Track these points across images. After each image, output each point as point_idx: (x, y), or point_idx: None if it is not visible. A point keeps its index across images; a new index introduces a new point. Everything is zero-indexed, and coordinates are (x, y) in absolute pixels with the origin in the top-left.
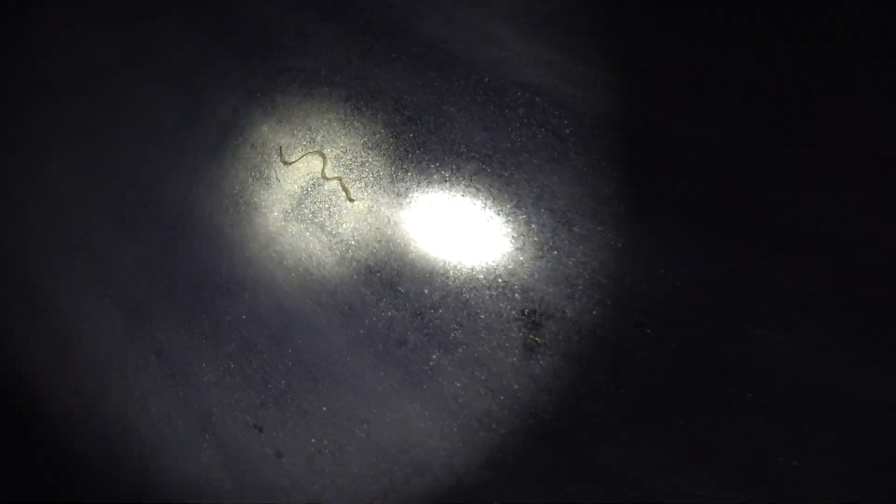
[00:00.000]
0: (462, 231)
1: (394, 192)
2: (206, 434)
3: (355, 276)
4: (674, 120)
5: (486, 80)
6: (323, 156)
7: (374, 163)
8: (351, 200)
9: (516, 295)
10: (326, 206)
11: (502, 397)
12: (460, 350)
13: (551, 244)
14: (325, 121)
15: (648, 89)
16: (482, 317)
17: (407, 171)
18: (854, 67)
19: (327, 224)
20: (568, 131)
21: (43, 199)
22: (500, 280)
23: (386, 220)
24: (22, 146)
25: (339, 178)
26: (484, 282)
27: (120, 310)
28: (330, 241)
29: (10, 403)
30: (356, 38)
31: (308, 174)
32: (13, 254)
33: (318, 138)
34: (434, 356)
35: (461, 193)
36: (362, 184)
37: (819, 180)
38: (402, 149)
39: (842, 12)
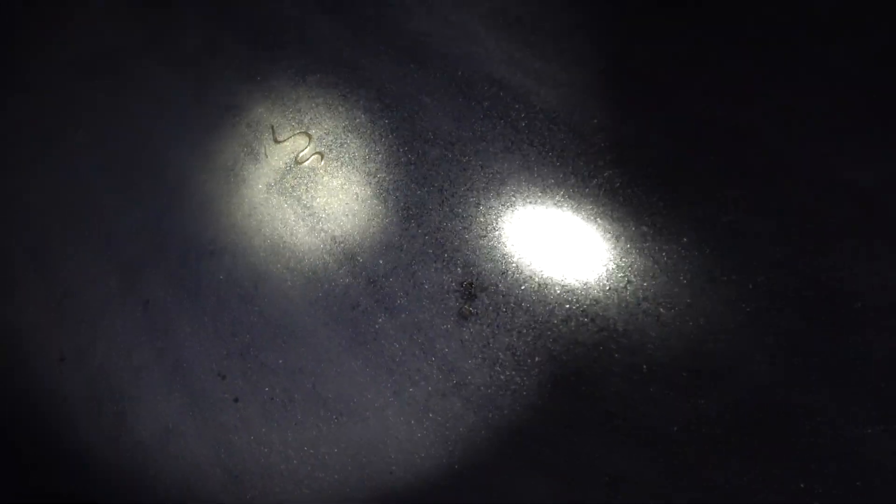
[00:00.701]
0: (418, 210)
1: (364, 171)
2: (178, 380)
3: (321, 245)
4: (618, 119)
5: (459, 73)
6: (309, 136)
7: (351, 144)
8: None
9: (458, 269)
10: (304, 182)
11: (433, 359)
12: (403, 315)
13: (494, 225)
14: (313, 104)
15: (598, 89)
16: (426, 287)
17: (378, 154)
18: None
19: (303, 198)
20: (523, 124)
21: (57, 165)
22: (445, 255)
23: (355, 196)
24: (43, 117)
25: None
26: (432, 256)
27: (115, 267)
28: (304, 212)
29: (12, 346)
30: (350, 31)
31: (293, 153)
32: (25, 214)
33: (306, 120)
34: (380, 320)
35: (422, 176)
36: (338, 163)
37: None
38: (376, 133)
39: None
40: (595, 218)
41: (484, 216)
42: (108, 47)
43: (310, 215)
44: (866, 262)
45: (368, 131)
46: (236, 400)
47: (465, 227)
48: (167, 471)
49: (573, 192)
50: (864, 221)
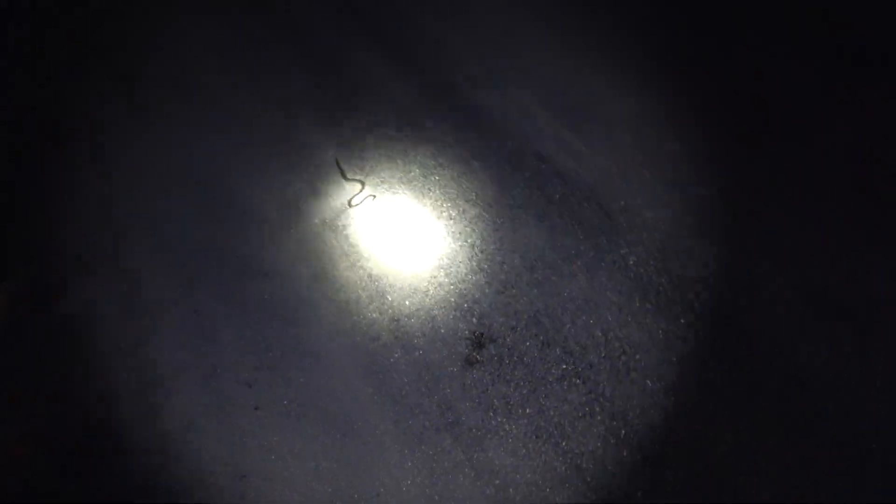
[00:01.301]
0: (448, 261)
1: (409, 220)
2: (211, 383)
3: (358, 281)
4: (640, 205)
5: (510, 144)
6: (363, 184)
7: (402, 195)
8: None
9: (473, 319)
10: (354, 223)
11: (435, 396)
12: (416, 353)
13: (513, 284)
14: (376, 154)
15: (629, 177)
16: (442, 331)
17: (424, 207)
18: None
19: (351, 237)
20: (557, 197)
21: (147, 180)
22: (465, 305)
23: (395, 241)
24: (145, 133)
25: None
26: (452, 304)
27: (179, 275)
28: (348, 249)
29: (81, 330)
30: (422, 96)
31: (348, 196)
32: (112, 218)
33: (367, 167)
34: (396, 354)
35: (459, 231)
36: (386, 210)
37: None
38: (426, 187)
39: None
40: (604, 290)
41: (506, 274)
42: (208, 78)
43: (353, 253)
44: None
45: (419, 185)
46: (256, 408)
47: (487, 283)
48: (183, 461)
49: (590, 263)
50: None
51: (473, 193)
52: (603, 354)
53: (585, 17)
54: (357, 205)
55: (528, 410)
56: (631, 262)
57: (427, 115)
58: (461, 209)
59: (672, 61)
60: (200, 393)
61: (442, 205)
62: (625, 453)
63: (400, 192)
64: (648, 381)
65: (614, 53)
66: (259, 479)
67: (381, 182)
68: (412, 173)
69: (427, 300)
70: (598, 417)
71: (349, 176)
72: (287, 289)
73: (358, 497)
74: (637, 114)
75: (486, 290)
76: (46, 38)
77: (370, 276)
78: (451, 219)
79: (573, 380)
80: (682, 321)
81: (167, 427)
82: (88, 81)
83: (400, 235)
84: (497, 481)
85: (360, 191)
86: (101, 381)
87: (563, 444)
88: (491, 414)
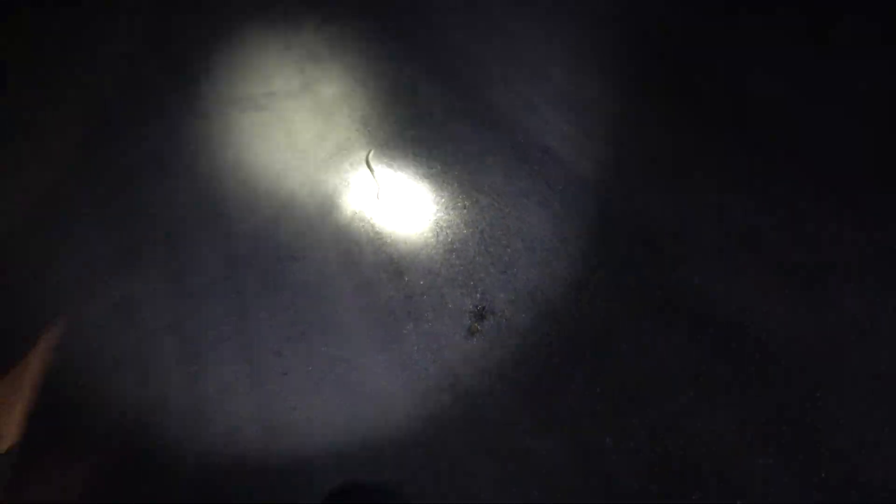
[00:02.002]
0: (460, 245)
1: (428, 210)
2: (245, 353)
3: (380, 264)
4: (630, 195)
5: (519, 139)
6: (386, 182)
7: (423, 189)
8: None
9: (477, 295)
10: (380, 214)
11: (439, 362)
12: (426, 326)
13: (515, 264)
14: (404, 154)
15: (624, 169)
16: (450, 306)
17: (442, 198)
18: None
19: (377, 226)
20: (560, 187)
21: (202, 172)
22: (471, 283)
23: (415, 229)
24: (203, 136)
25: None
26: (460, 283)
27: (224, 259)
28: (374, 237)
29: (128, 307)
30: (445, 97)
31: (376, 191)
32: (169, 205)
33: (395, 165)
34: (408, 327)
35: (471, 219)
36: (409, 202)
37: None
38: (444, 182)
39: None
40: (597, 269)
41: (508, 256)
42: (269, 90)
43: (378, 239)
44: None
45: (440, 179)
46: (285, 374)
47: (491, 263)
48: (218, 421)
49: (584, 245)
50: None
51: (485, 185)
52: (587, 324)
53: (591, 29)
54: (381, 199)
55: (517, 374)
56: (620, 244)
57: (450, 116)
58: (474, 199)
59: (664, 70)
60: (235, 362)
61: (458, 196)
62: (598, 406)
63: (422, 185)
64: (623, 345)
65: (616, 59)
66: (282, 433)
67: (407, 178)
68: (434, 169)
69: (438, 280)
70: (579, 380)
71: (377, 174)
72: (317, 271)
73: (364, 447)
74: (635, 111)
75: (491, 270)
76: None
77: (391, 259)
78: (464, 208)
79: (555, 345)
80: (659, 294)
81: (204, 393)
82: (157, 87)
83: (419, 224)
84: (487, 433)
85: (385, 187)
86: (146, 351)
87: (543, 397)
88: (486, 376)
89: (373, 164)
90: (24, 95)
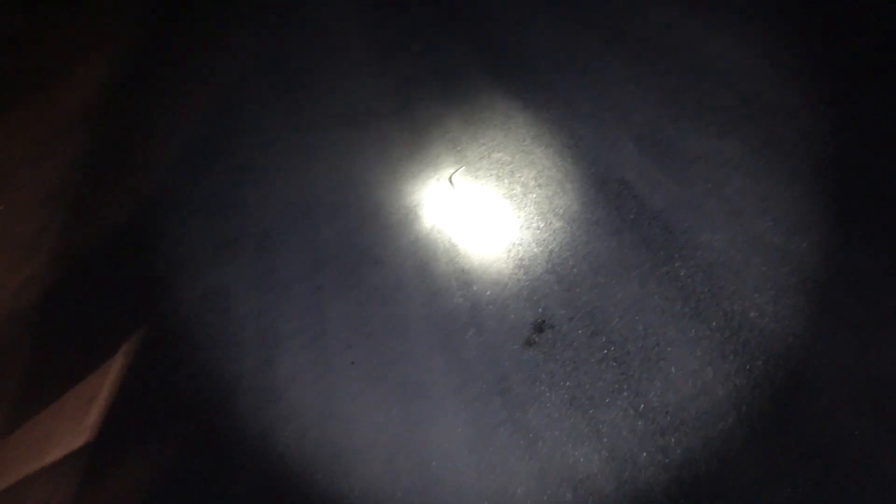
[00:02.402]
0: (529, 262)
1: (502, 232)
2: (316, 344)
3: (451, 273)
4: (701, 225)
5: (599, 170)
6: (467, 197)
7: (501, 208)
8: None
9: (539, 309)
10: (457, 229)
11: (495, 367)
12: (486, 335)
13: (577, 284)
14: (488, 174)
15: (692, 206)
16: (511, 317)
17: (518, 220)
18: None
19: (453, 239)
20: (631, 217)
21: (298, 181)
22: (534, 297)
23: (488, 245)
24: (306, 149)
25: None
26: (525, 296)
27: (310, 259)
28: (449, 249)
29: (219, 297)
30: (532, 127)
31: (456, 198)
32: (265, 207)
33: (479, 184)
34: (469, 333)
35: (542, 240)
36: (484, 221)
37: None
38: (523, 203)
39: None
40: (652, 295)
41: (573, 277)
42: (367, 109)
43: (453, 251)
44: None
45: (518, 201)
46: (353, 363)
47: (556, 281)
48: (284, 401)
49: (646, 273)
50: None
51: (561, 210)
52: (640, 345)
53: (678, 75)
54: (454, 185)
55: (567, 384)
56: (681, 275)
57: (535, 143)
58: (548, 221)
59: (750, 111)
60: (304, 351)
61: (533, 217)
62: (639, 423)
63: (502, 204)
64: (673, 369)
65: (699, 105)
66: (338, 418)
67: (488, 195)
68: (514, 191)
69: (504, 292)
70: (624, 394)
71: (458, 189)
72: (393, 275)
73: (413, 442)
74: (713, 154)
75: (555, 288)
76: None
77: (462, 270)
78: (538, 229)
79: (610, 363)
80: (714, 324)
81: (272, 381)
82: (270, 106)
83: (494, 239)
84: (530, 435)
85: (462, 195)
86: (229, 339)
87: (591, 412)
88: (537, 384)
89: (455, 182)
90: (144, 103)
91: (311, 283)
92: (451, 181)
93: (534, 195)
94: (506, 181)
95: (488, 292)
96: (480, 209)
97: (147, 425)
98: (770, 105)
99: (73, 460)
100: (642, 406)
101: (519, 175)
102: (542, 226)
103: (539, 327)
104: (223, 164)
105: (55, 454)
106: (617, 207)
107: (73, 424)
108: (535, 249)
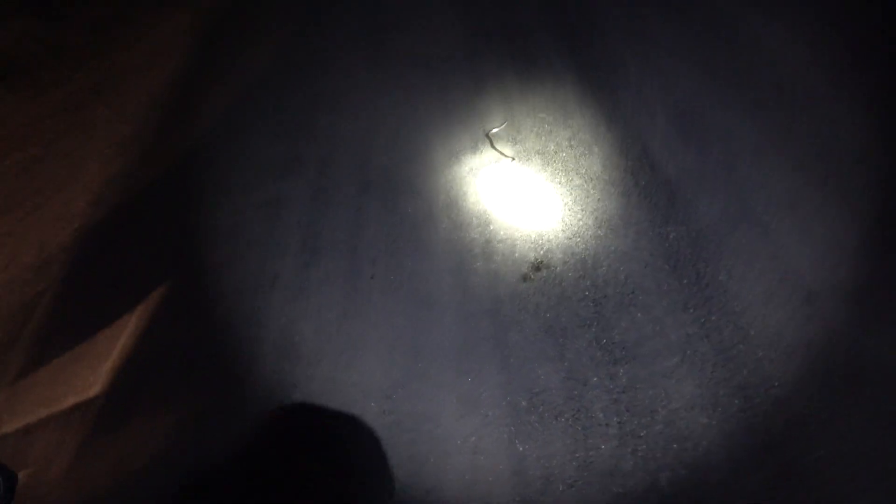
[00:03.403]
0: (543, 211)
1: (531, 181)
2: (349, 257)
3: (476, 210)
4: (708, 209)
5: (629, 137)
6: (490, 135)
7: (533, 163)
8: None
9: (542, 251)
10: (489, 176)
11: (492, 293)
12: (492, 265)
13: (580, 234)
14: (528, 132)
15: (715, 180)
16: (516, 255)
17: (545, 173)
18: None
19: (483, 183)
20: (643, 182)
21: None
22: (539, 241)
23: (514, 194)
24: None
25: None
26: (532, 239)
27: (357, 183)
28: (478, 190)
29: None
30: (575, 86)
31: (494, 160)
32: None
33: (518, 138)
34: (479, 262)
35: (560, 193)
36: (519, 171)
37: None
38: (555, 161)
39: None
40: (642, 251)
41: (577, 227)
42: (434, 52)
43: (480, 193)
44: None
45: (548, 160)
46: (372, 277)
47: (563, 230)
48: (312, 300)
49: (641, 230)
50: None
51: (584, 169)
52: (618, 290)
53: (726, 48)
54: (494, 133)
55: (547, 315)
56: (671, 237)
57: (578, 106)
58: (570, 178)
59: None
60: (339, 262)
61: (557, 173)
62: (598, 353)
63: (533, 159)
64: (639, 314)
65: (738, 82)
66: (355, 319)
67: (522, 151)
68: (548, 148)
69: (515, 234)
70: (592, 329)
71: (499, 147)
72: (425, 206)
73: (410, 342)
74: (734, 134)
75: (560, 235)
76: None
77: (485, 210)
78: (559, 184)
79: (588, 302)
80: (685, 281)
81: (309, 279)
82: (350, 41)
83: (518, 189)
84: (505, 351)
85: (500, 146)
86: (276, 242)
87: (561, 340)
88: (522, 312)
89: (495, 135)
90: (238, 27)
91: (355, 203)
92: (490, 135)
93: (563, 154)
94: (543, 139)
95: (502, 232)
96: (513, 160)
97: (162, 380)
98: (800, 95)
99: (85, 409)
100: (604, 340)
101: (555, 135)
102: (563, 181)
103: (537, 266)
104: (300, 90)
105: (68, 401)
106: (633, 172)
107: (89, 373)
108: (550, 201)
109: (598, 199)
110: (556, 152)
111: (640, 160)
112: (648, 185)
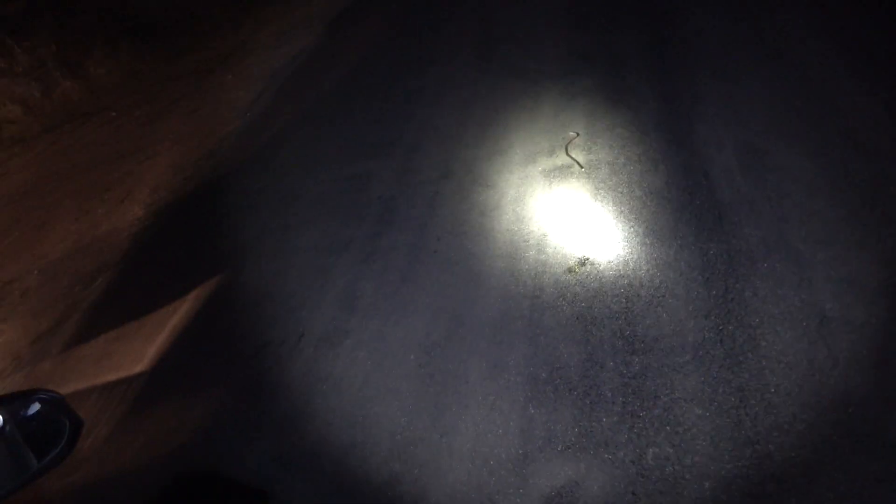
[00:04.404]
0: (599, 214)
1: (583, 192)
2: (418, 232)
3: (540, 207)
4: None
5: (695, 161)
6: (578, 163)
7: (597, 175)
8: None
9: (589, 248)
10: (559, 178)
11: (537, 280)
12: (542, 256)
13: (627, 239)
14: (601, 146)
15: (760, 209)
16: (566, 250)
17: (604, 188)
18: None
19: (553, 184)
20: (698, 202)
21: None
22: (590, 240)
23: (575, 196)
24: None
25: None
26: (582, 238)
27: (440, 170)
28: (546, 189)
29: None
30: (654, 116)
31: (567, 164)
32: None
33: (593, 150)
34: (531, 252)
35: (614, 201)
36: (584, 178)
37: None
38: (613, 173)
39: None
40: (681, 261)
41: (627, 233)
42: (534, 66)
43: (548, 192)
44: None
45: (616, 171)
46: (435, 252)
47: (611, 233)
48: (378, 263)
49: (685, 244)
50: None
51: (646, 183)
52: (650, 292)
53: (803, 92)
54: (572, 155)
55: (582, 304)
56: (711, 252)
57: (655, 128)
58: (632, 190)
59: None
60: (408, 234)
61: (622, 184)
62: (620, 343)
63: (602, 169)
64: (665, 314)
65: (808, 123)
66: (411, 285)
67: (595, 161)
68: (618, 161)
69: (570, 231)
70: (619, 322)
71: (573, 154)
72: (495, 198)
73: (455, 313)
74: (793, 171)
75: (610, 238)
76: None
77: (548, 208)
78: (621, 193)
79: (621, 298)
80: (714, 292)
81: (379, 246)
82: (462, 47)
83: (583, 192)
84: (537, 331)
85: (575, 155)
86: (358, 211)
87: (589, 327)
88: (560, 299)
89: (571, 147)
90: (354, 26)
91: (433, 187)
92: (567, 143)
93: (631, 167)
94: (615, 151)
95: (559, 228)
96: (582, 168)
97: (203, 365)
98: (866, 145)
99: (126, 386)
100: (628, 332)
101: (628, 150)
102: (624, 191)
103: (583, 262)
104: (406, 82)
105: (110, 376)
106: (690, 192)
107: (134, 352)
108: (609, 206)
109: (653, 212)
110: (624, 165)
111: (700, 183)
112: (702, 205)
